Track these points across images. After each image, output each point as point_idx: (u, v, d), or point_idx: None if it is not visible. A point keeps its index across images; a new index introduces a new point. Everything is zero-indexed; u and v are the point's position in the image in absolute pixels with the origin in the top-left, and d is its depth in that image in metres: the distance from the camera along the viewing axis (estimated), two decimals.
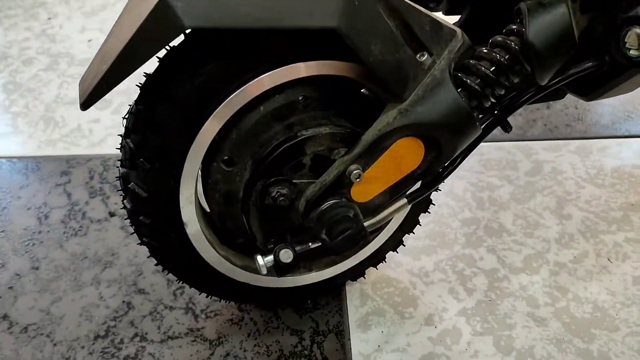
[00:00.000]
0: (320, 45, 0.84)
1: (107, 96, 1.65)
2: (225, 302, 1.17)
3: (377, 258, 1.15)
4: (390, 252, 1.15)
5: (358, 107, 0.95)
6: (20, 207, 1.36)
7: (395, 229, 1.11)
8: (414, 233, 1.14)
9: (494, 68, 0.86)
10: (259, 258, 0.92)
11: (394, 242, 1.14)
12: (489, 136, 0.94)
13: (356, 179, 0.87)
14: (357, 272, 1.15)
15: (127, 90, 1.67)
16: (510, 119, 0.94)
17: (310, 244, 0.96)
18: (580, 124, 1.58)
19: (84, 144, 1.52)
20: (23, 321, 1.15)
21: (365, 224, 0.89)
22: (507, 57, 0.86)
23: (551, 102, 1.62)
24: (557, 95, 1.05)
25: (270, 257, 0.92)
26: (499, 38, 0.88)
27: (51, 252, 1.27)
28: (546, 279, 1.21)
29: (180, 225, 0.93)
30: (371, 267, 1.16)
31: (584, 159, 1.47)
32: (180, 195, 0.90)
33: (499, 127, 0.94)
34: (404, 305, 1.17)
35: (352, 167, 0.87)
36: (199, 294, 1.18)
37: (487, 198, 1.38)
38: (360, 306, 1.17)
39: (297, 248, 0.93)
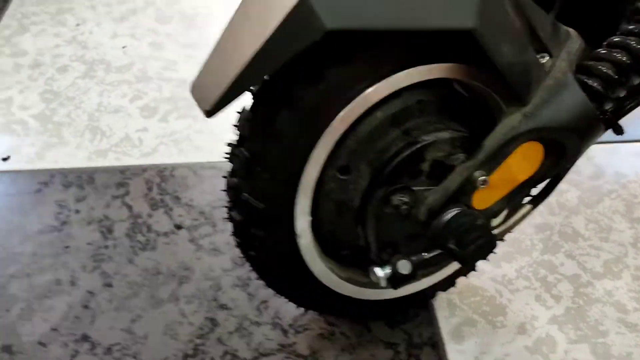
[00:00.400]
0: (438, 48, 0.82)
1: (152, 104, 1.60)
2: (313, 315, 1.13)
3: (470, 267, 1.13)
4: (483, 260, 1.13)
5: (467, 110, 0.93)
6: (80, 221, 1.31)
7: None
8: (504, 240, 1.12)
9: (615, 69, 0.85)
10: (377, 270, 0.89)
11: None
12: None
13: (482, 184, 0.85)
14: (449, 282, 1.13)
15: (173, 98, 1.62)
16: None
17: (425, 254, 0.93)
18: (632, 129, 1.58)
19: (135, 154, 1.47)
20: (105, 342, 1.09)
21: (495, 232, 0.87)
22: (628, 58, 0.85)
23: None
24: None
25: (388, 269, 0.89)
26: (617, 39, 0.87)
27: (122, 267, 1.22)
28: (630, 284, 1.21)
29: (292, 236, 0.90)
30: (462, 276, 1.14)
31: None
32: (297, 206, 0.87)
33: None
34: (494, 314, 1.16)
35: (477, 173, 0.85)
36: (286, 308, 1.14)
37: (555, 203, 1.37)
38: (450, 317, 1.15)
39: (414, 259, 0.90)
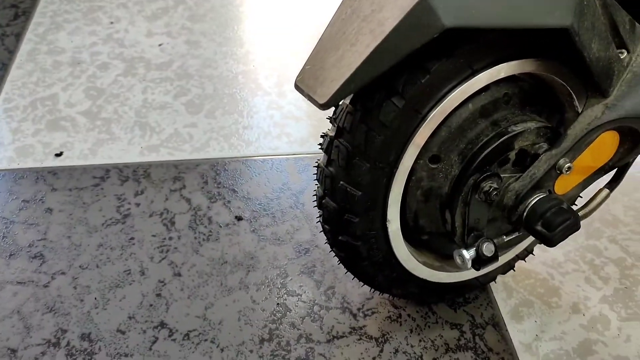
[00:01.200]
0: (529, 44, 0.88)
1: (195, 100, 1.64)
2: (379, 299, 1.19)
3: (527, 251, 1.19)
4: (539, 244, 1.20)
5: (546, 103, 0.99)
6: (141, 214, 1.34)
7: None
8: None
9: None
10: (464, 252, 0.95)
11: None
12: None
13: (567, 171, 0.91)
14: (509, 265, 1.19)
15: (217, 95, 1.66)
16: None
17: (505, 237, 0.99)
18: None
19: (187, 149, 1.50)
20: (182, 328, 1.13)
21: (579, 214, 0.93)
22: None
23: None
24: None
25: (473, 251, 0.95)
26: None
27: (189, 258, 1.25)
28: None
29: (384, 223, 0.95)
30: (520, 260, 1.20)
31: None
32: (391, 193, 0.92)
33: None
34: (548, 296, 1.22)
35: (562, 160, 0.91)
36: (352, 293, 1.19)
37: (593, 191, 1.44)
38: (508, 298, 1.21)
39: (496, 241, 0.96)
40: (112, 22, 1.92)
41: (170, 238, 1.29)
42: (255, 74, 1.74)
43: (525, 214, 0.92)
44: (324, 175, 0.95)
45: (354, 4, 0.86)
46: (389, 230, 0.96)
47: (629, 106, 0.90)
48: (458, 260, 0.95)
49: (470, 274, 1.12)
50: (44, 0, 2.00)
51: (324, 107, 0.81)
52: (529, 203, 0.92)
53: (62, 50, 1.80)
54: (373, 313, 1.17)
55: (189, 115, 1.60)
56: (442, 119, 0.89)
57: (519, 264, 1.27)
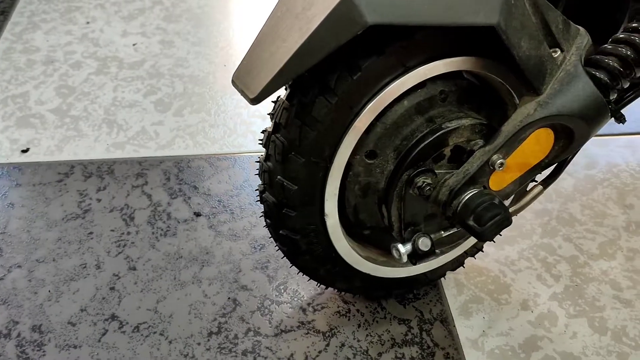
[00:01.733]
0: (462, 42, 0.90)
1: (165, 99, 1.65)
2: (329, 295, 1.20)
3: (476, 248, 1.20)
4: (490, 242, 1.21)
5: (484, 100, 1.01)
6: (102, 209, 1.36)
7: None
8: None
9: (620, 63, 0.94)
10: (400, 246, 0.96)
11: None
12: None
13: (499, 167, 0.93)
14: (458, 262, 1.20)
15: (186, 93, 1.68)
16: None
17: (442, 232, 1.01)
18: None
19: (152, 146, 1.52)
20: (133, 320, 1.15)
21: (510, 210, 0.94)
22: (632, 52, 0.93)
23: None
24: None
25: (409, 246, 0.97)
26: (622, 35, 0.95)
27: (145, 252, 1.27)
28: (623, 264, 1.29)
29: (322, 217, 0.97)
30: (469, 257, 1.22)
31: (635, 153, 1.57)
32: (327, 188, 0.94)
33: None
34: (499, 293, 1.23)
35: (495, 157, 0.93)
36: (304, 288, 1.21)
37: (553, 191, 1.46)
38: (458, 295, 1.22)
39: (433, 236, 0.98)
40: (88, 22, 1.94)
41: (129, 233, 1.31)
42: (226, 73, 1.76)
43: (458, 209, 0.93)
44: (262, 170, 0.96)
45: (289, 2, 0.87)
46: (328, 224, 0.98)
47: (561, 104, 0.92)
48: (395, 254, 0.97)
49: (417, 269, 1.13)
50: (23, 0, 2.03)
51: (253, 101, 0.83)
52: (462, 198, 0.93)
53: (37, 49, 1.83)
54: (323, 308, 1.19)
55: (157, 114, 1.62)
56: (376, 115, 0.91)
57: (473, 261, 1.28)
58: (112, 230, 1.32)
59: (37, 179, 1.43)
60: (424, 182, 0.94)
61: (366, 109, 0.89)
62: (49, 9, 1.99)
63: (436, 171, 0.95)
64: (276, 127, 0.93)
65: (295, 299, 1.20)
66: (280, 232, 0.99)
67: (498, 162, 0.93)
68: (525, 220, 1.38)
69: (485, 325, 1.17)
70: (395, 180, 0.95)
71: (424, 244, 0.97)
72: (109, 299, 1.19)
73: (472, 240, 1.16)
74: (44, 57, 1.80)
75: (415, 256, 0.98)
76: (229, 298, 1.20)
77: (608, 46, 0.95)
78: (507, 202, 1.02)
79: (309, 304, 1.19)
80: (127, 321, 1.15)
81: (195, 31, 1.92)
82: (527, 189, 1.04)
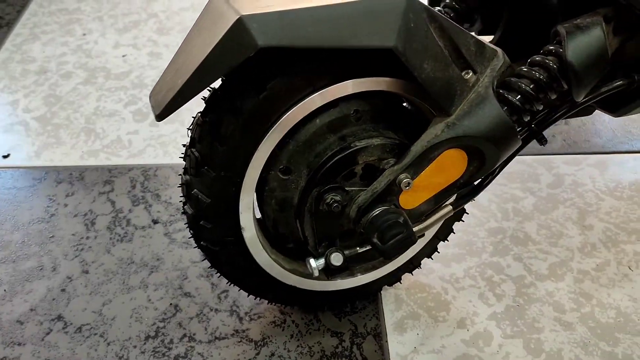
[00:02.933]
0: (372, 64, 0.92)
1: (144, 109, 1.72)
2: (268, 305, 1.23)
3: (413, 264, 1.21)
4: (425, 259, 1.22)
5: (404, 120, 1.02)
6: (67, 214, 1.43)
7: (431, 236, 1.17)
8: (448, 241, 1.20)
9: (533, 85, 0.94)
10: (312, 261, 0.99)
11: (430, 249, 1.20)
12: None
13: (406, 187, 0.94)
14: (394, 278, 1.21)
15: None
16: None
17: (358, 248, 1.03)
18: (598, 139, 1.65)
19: (124, 155, 1.59)
20: (77, 322, 1.21)
21: (414, 229, 0.96)
22: (546, 75, 0.94)
23: (570, 119, 1.70)
24: (587, 111, 1.13)
25: (322, 260, 0.99)
26: (538, 58, 0.95)
27: (99, 257, 1.33)
28: (571, 286, 1.28)
29: (238, 229, 1.00)
30: (407, 273, 1.23)
31: (603, 172, 1.55)
32: (240, 202, 0.97)
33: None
34: (437, 310, 1.24)
35: (402, 176, 0.94)
36: (244, 297, 1.24)
37: (511, 209, 1.45)
38: (396, 310, 1.24)
39: (346, 252, 1.00)
40: (84, 34, 2.04)
41: (88, 237, 1.38)
42: None
43: (365, 226, 0.95)
44: (182, 183, 1.01)
45: (201, 22, 0.92)
46: (245, 237, 1.01)
47: (468, 125, 0.92)
48: (308, 268, 1.00)
49: (347, 283, 1.15)
50: (27, 12, 2.15)
51: (157, 118, 0.87)
52: (370, 216, 0.95)
53: (33, 59, 1.93)
54: (259, 317, 1.22)
55: (134, 123, 1.69)
56: (285, 133, 0.93)
57: (417, 277, 1.29)
58: (73, 235, 1.38)
59: (12, 183, 1.51)
60: (332, 199, 0.96)
61: (274, 127, 0.92)
62: (51, 21, 2.10)
63: (348, 189, 0.97)
64: (192, 141, 0.97)
65: (234, 307, 1.24)
66: (201, 243, 1.03)
67: (404, 181, 0.94)
68: (477, 238, 1.38)
69: (418, 342, 1.18)
70: (306, 196, 0.97)
71: (337, 259, 0.99)
72: (58, 300, 1.25)
73: (406, 256, 1.18)
74: (38, 67, 1.90)
75: (329, 271, 1.00)
76: (170, 304, 1.24)
77: (524, 68, 0.96)
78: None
79: (246, 313, 1.23)
80: (72, 322, 1.21)
81: None
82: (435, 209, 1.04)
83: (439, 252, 1.22)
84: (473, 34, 0.98)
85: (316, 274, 0.99)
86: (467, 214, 1.19)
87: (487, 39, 1.21)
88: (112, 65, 1.90)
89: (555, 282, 1.29)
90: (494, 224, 1.41)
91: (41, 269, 1.31)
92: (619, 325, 1.20)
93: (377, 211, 0.95)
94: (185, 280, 1.28)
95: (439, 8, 1.24)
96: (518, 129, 0.96)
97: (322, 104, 0.93)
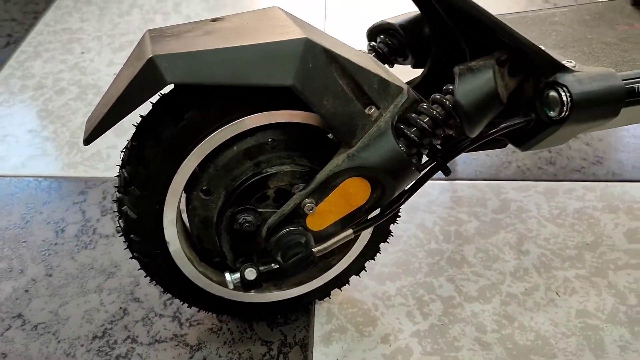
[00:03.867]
0: (285, 97, 1.01)
1: (126, 124, 1.84)
2: (208, 312, 1.33)
3: (340, 281, 1.29)
4: (355, 276, 1.30)
5: (318, 149, 1.11)
6: (41, 221, 1.56)
7: (357, 255, 1.26)
8: (374, 260, 1.29)
9: (431, 122, 1.02)
10: (227, 275, 1.09)
11: (357, 267, 1.29)
12: (463, 175, 1.09)
13: (309, 210, 1.03)
14: (323, 293, 1.30)
15: None
16: (485, 159, 1.09)
17: (273, 265, 1.12)
18: (551, 167, 1.70)
19: (101, 168, 1.72)
20: (34, 320, 1.33)
21: (315, 249, 1.05)
22: (442, 112, 1.02)
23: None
24: (499, 144, 1.20)
25: (237, 275, 1.09)
26: (438, 96, 1.04)
27: (63, 262, 1.46)
28: (497, 308, 1.34)
29: (164, 243, 1.11)
30: (336, 289, 1.31)
31: (549, 199, 1.60)
32: (164, 218, 1.08)
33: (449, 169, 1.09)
34: (365, 325, 1.32)
35: (307, 200, 1.03)
36: (185, 305, 1.35)
37: (454, 232, 1.52)
38: (326, 323, 1.32)
39: (262, 268, 1.10)
40: (83, 52, 2.19)
41: (56, 244, 1.51)
42: None
43: (272, 245, 1.05)
44: (115, 199, 1.12)
45: (130, 57, 1.03)
46: (170, 250, 1.12)
47: (366, 157, 1.01)
48: (226, 282, 1.10)
49: (275, 296, 1.24)
50: (34, 31, 2.32)
51: (84, 143, 0.99)
52: (276, 236, 1.04)
53: (32, 75, 2.09)
54: (198, 324, 1.32)
55: (114, 138, 1.82)
56: (200, 160, 1.04)
57: (350, 293, 1.37)
58: (43, 240, 1.51)
59: None
60: (244, 219, 1.06)
61: (192, 154, 1.02)
62: (54, 40, 2.26)
63: (261, 210, 1.07)
64: (123, 162, 1.08)
65: (177, 313, 1.34)
66: (134, 254, 1.14)
67: (308, 205, 1.03)
68: (415, 259, 1.45)
69: (340, 354, 1.26)
70: (222, 216, 1.07)
71: (250, 274, 1.08)
72: (21, 299, 1.38)
73: (333, 273, 1.26)
74: (36, 83, 2.05)
75: (244, 285, 1.10)
76: (120, 307, 1.36)
77: (424, 105, 1.04)
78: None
79: (187, 319, 1.33)
80: (30, 320, 1.33)
81: None
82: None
83: (366, 271, 1.31)
84: (385, 71, 1.07)
85: (231, 287, 1.09)
86: (392, 235, 1.27)
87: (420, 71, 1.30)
88: (103, 83, 2.04)
89: (482, 304, 1.35)
90: (434, 245, 1.49)
91: (10, 270, 1.44)
92: (535, 348, 1.26)
93: (283, 232, 1.04)
94: (137, 287, 1.40)
95: (374, 43, 1.33)
96: (415, 161, 1.04)
97: (236, 133, 1.03)
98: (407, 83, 1.25)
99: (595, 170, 1.69)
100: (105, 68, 2.11)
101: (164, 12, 2.48)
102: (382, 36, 1.31)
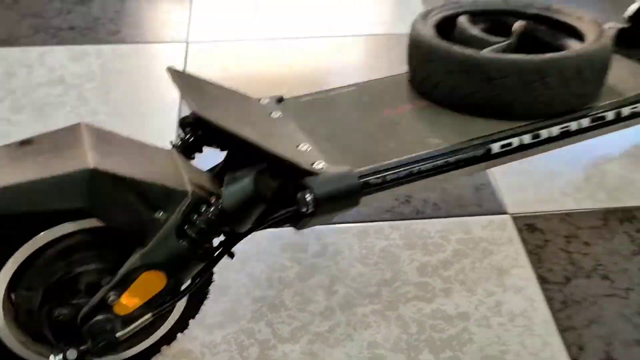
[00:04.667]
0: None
1: None
2: None
3: (169, 338, 1.53)
4: (179, 333, 1.54)
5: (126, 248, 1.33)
6: None
7: (179, 316, 1.50)
8: (194, 318, 1.53)
9: (207, 222, 1.26)
10: (52, 356, 1.30)
11: (182, 325, 1.53)
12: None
13: (113, 302, 1.26)
14: (154, 350, 1.53)
15: None
16: None
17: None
18: (365, 209, 1.99)
19: None
20: None
21: (118, 334, 1.27)
22: (215, 214, 1.26)
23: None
24: (282, 223, 1.46)
25: (60, 356, 1.30)
26: (213, 199, 1.28)
27: None
28: (303, 347, 1.61)
29: None
30: (164, 345, 1.55)
31: (361, 240, 1.89)
32: None
33: None
34: None
35: (110, 293, 1.26)
36: None
37: (277, 278, 1.78)
38: None
39: (82, 347, 1.31)
40: None
41: None
42: None
43: (84, 333, 1.27)
44: None
45: None
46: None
47: (155, 255, 1.24)
48: None
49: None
50: None
51: None
52: (87, 325, 1.27)
53: None
54: None
55: None
56: (17, 266, 1.24)
57: (184, 344, 1.61)
58: None
59: None
60: (59, 313, 1.27)
61: (7, 263, 1.23)
62: None
63: (75, 302, 1.29)
64: None
65: None
66: None
67: (111, 298, 1.26)
68: (241, 306, 1.70)
69: None
70: (42, 309, 1.28)
71: (71, 354, 1.30)
72: None
73: (161, 332, 1.50)
74: None
75: None
76: None
77: (204, 207, 1.27)
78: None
79: None
80: None
81: (34, 124, 2.26)
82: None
83: (189, 328, 1.55)
84: (176, 174, 1.30)
85: None
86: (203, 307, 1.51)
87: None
88: None
89: (292, 344, 1.62)
90: (258, 292, 1.74)
91: None
92: None
93: (92, 321, 1.26)
94: None
95: (182, 135, 1.55)
96: (201, 252, 1.28)
97: (46, 242, 1.24)
98: (217, 165, 1.49)
99: (402, 209, 1.99)
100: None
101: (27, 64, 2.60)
102: (187, 128, 1.54)
